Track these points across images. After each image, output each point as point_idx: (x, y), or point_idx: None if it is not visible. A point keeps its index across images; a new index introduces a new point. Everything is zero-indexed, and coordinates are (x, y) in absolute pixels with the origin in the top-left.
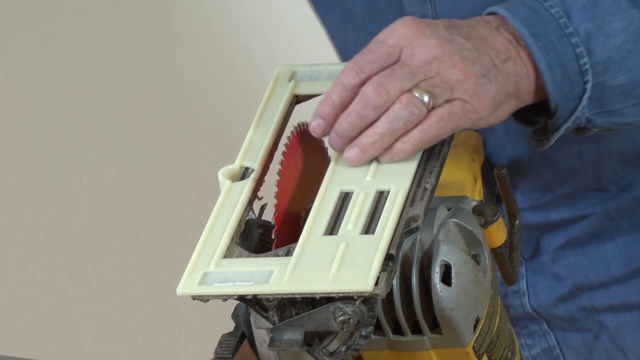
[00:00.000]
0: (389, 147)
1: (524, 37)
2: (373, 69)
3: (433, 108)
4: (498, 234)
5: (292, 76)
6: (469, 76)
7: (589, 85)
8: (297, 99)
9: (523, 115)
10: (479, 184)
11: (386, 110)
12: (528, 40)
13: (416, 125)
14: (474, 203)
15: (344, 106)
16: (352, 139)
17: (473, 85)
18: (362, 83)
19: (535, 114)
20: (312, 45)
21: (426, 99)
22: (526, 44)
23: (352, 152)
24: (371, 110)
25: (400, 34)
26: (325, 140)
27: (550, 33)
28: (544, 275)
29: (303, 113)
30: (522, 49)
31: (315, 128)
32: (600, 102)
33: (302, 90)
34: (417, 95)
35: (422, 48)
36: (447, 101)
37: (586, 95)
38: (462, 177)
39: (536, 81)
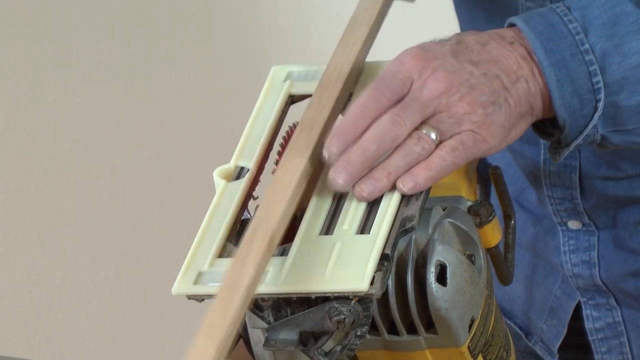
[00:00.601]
0: (410, 177)
1: (536, 52)
2: (392, 97)
3: (440, 143)
4: (493, 234)
5: (288, 76)
6: (477, 108)
7: (601, 104)
8: (293, 99)
9: (543, 126)
10: (474, 184)
11: (398, 147)
12: (540, 55)
13: (434, 154)
14: (469, 203)
15: (364, 128)
16: (358, 174)
17: (481, 117)
18: (382, 109)
19: (553, 127)
20: (308, 45)
21: (433, 135)
22: (538, 58)
23: (366, 183)
24: (389, 139)
25: (410, 66)
26: None
27: (564, 49)
28: (618, 248)
29: (298, 113)
30: (535, 64)
31: (335, 145)
32: (615, 121)
33: (298, 90)
34: (425, 132)
35: (431, 82)
36: (455, 134)
37: (597, 114)
38: (457, 177)
39: (548, 96)
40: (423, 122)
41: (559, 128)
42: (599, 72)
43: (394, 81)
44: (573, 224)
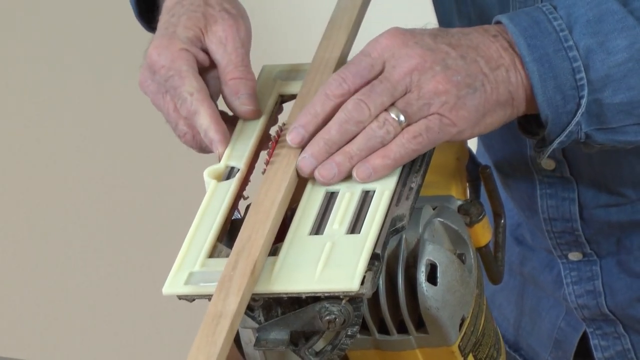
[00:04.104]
0: (366, 165)
1: (519, 47)
2: (356, 81)
3: (408, 125)
4: (483, 233)
5: (278, 76)
6: (450, 88)
7: (584, 101)
8: (283, 99)
9: (528, 125)
10: (464, 183)
11: (363, 129)
12: (523, 50)
13: (393, 141)
14: (459, 202)
15: (325, 117)
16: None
17: (453, 98)
18: (344, 95)
19: (538, 126)
20: (299, 45)
21: (402, 118)
22: (520, 53)
23: (326, 167)
24: (352, 125)
25: (383, 46)
26: None
27: (548, 45)
28: (622, 274)
29: (289, 113)
30: (517, 56)
31: (294, 137)
32: (600, 119)
33: (288, 89)
34: (393, 115)
35: (403, 59)
36: (425, 117)
37: (580, 111)
38: (447, 177)
39: (530, 91)
40: (392, 104)
41: (543, 127)
42: (582, 68)
43: (360, 64)
44: (573, 256)
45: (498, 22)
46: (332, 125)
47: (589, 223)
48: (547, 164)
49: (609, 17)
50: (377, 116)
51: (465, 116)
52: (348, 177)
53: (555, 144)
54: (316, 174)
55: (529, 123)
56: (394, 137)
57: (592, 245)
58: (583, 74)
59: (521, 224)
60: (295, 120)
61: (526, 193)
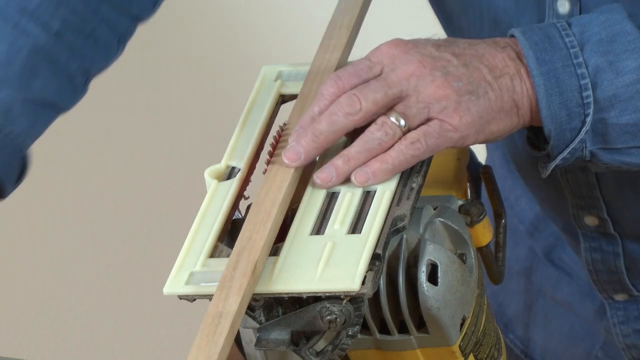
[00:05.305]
0: (364, 170)
1: (528, 60)
2: (351, 79)
3: (409, 130)
4: (484, 233)
5: (278, 76)
6: (450, 93)
7: (589, 119)
8: (283, 99)
9: (537, 141)
10: (465, 183)
11: (362, 133)
12: (531, 63)
13: (392, 147)
14: (460, 202)
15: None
16: (309, 152)
17: (453, 103)
18: (339, 92)
19: (545, 141)
20: (303, 44)
21: (402, 122)
22: (529, 66)
23: (324, 171)
24: (342, 116)
25: (384, 52)
26: None
27: (557, 60)
28: None
29: (289, 113)
30: (524, 67)
31: (294, 139)
32: (605, 139)
33: (288, 89)
34: (392, 119)
35: (403, 64)
36: (425, 121)
37: (585, 129)
38: (448, 177)
39: (536, 103)
40: (391, 109)
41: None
42: (590, 86)
43: (358, 66)
44: (619, 297)
45: (511, 36)
46: (323, 116)
47: (635, 273)
48: (591, 220)
49: (622, 37)
50: (375, 120)
51: (469, 122)
52: (349, 178)
53: (558, 160)
54: (314, 178)
55: (537, 138)
56: (394, 142)
57: (638, 288)
58: (590, 92)
59: (557, 246)
60: (297, 123)
61: (569, 242)
